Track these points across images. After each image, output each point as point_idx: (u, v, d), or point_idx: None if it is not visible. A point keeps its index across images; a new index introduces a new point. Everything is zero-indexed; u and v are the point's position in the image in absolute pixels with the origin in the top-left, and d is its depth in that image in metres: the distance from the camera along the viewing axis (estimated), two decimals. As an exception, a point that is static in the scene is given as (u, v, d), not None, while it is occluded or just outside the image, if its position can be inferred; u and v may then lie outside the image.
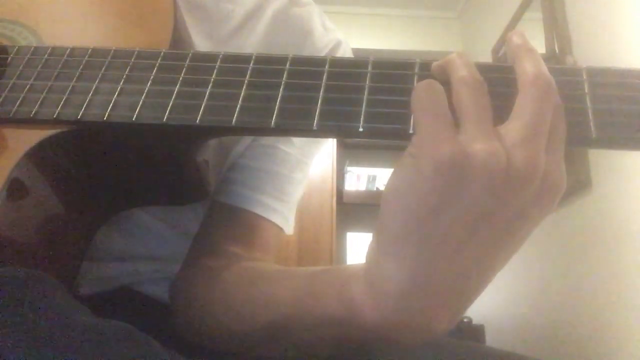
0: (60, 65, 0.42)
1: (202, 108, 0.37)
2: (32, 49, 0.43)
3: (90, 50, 0.42)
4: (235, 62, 0.39)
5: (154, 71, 0.40)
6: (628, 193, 1.43)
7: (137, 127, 0.38)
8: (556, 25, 1.75)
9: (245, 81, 0.38)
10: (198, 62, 0.40)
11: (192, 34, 0.53)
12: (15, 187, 0.37)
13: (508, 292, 2.05)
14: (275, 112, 0.36)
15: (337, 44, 0.63)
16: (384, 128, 0.34)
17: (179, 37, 0.45)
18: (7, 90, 0.41)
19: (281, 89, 0.37)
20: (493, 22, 2.36)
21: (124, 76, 0.40)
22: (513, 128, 0.30)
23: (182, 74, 0.39)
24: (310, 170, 0.63)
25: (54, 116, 0.39)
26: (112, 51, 0.42)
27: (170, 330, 0.47)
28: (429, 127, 0.30)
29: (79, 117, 0.38)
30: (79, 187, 0.44)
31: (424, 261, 0.30)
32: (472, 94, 0.31)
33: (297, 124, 0.36)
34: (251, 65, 0.39)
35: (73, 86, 0.40)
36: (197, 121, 0.37)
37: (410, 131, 0.33)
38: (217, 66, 0.39)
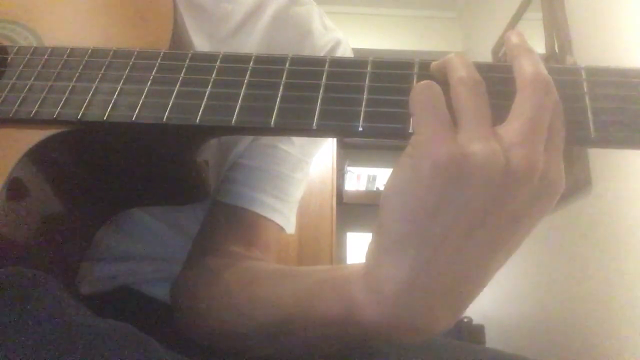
0: (60, 66, 0.42)
1: (201, 108, 0.37)
2: (32, 49, 0.43)
3: (90, 51, 0.42)
4: (235, 62, 0.39)
5: (154, 71, 0.40)
6: (628, 193, 1.43)
7: (137, 127, 0.38)
8: (556, 25, 1.75)
9: (245, 81, 0.38)
10: (198, 62, 0.40)
11: (192, 34, 0.53)
12: (16, 187, 0.37)
13: (508, 292, 2.05)
14: (275, 112, 0.36)
15: (337, 43, 0.63)
16: (383, 128, 0.34)
17: (178, 38, 0.45)
18: (7, 90, 0.41)
19: (281, 89, 0.37)
20: (493, 22, 2.36)
21: (124, 76, 0.40)
22: (511, 128, 0.31)
23: (182, 74, 0.39)
24: (310, 170, 0.63)
25: (54, 116, 0.39)
26: (112, 51, 0.42)
27: (170, 330, 0.47)
28: (427, 127, 0.30)
29: (78, 117, 0.38)
30: (78, 187, 0.44)
31: (424, 261, 0.30)
32: (470, 95, 0.32)
33: (297, 123, 0.36)
34: (251, 65, 0.39)
35: (73, 86, 0.40)
36: (197, 121, 0.37)
37: (410, 131, 0.33)
38: (216, 66, 0.39)
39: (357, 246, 2.95)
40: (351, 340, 0.36)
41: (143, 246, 0.57)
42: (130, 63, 0.41)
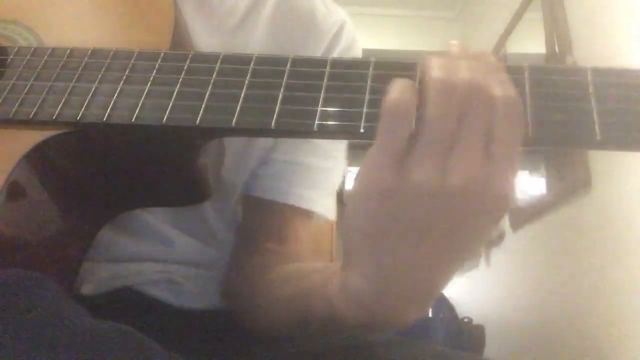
0: (60, 66, 0.42)
1: (202, 109, 0.37)
2: (31, 49, 0.43)
3: (90, 51, 0.42)
4: (236, 63, 0.39)
5: (154, 72, 0.40)
6: (628, 193, 1.43)
7: (137, 128, 0.38)
8: (556, 25, 1.75)
9: (246, 82, 0.38)
10: (198, 63, 0.40)
11: (199, 30, 0.53)
12: (15, 189, 0.37)
13: (508, 292, 2.05)
14: (275, 113, 0.36)
15: (341, 27, 0.63)
16: None
17: (179, 38, 0.45)
18: (6, 91, 0.41)
19: (282, 90, 0.37)
20: (493, 22, 2.36)
21: (124, 77, 0.40)
22: (419, 145, 0.31)
23: (182, 75, 0.39)
24: (344, 159, 0.66)
25: (54, 117, 0.39)
26: (112, 52, 0.42)
27: (171, 331, 0.47)
28: (377, 154, 0.32)
29: (78, 118, 0.38)
30: (79, 188, 0.44)
31: (383, 270, 0.34)
32: (434, 120, 0.30)
33: (298, 124, 0.36)
34: (251, 66, 0.39)
35: (73, 87, 0.40)
36: (197, 122, 0.37)
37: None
38: (217, 67, 0.39)
39: (357, 246, 2.94)
40: (342, 333, 0.42)
41: (145, 247, 0.57)
42: (131, 64, 0.41)
